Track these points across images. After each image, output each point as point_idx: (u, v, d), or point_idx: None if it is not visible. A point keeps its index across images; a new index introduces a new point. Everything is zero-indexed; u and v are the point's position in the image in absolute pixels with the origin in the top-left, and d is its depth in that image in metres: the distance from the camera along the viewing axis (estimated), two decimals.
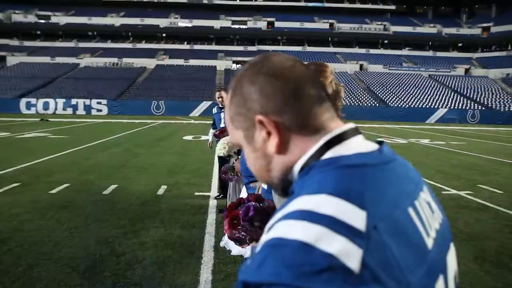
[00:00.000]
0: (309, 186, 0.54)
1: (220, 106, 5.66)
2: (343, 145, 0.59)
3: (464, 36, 54.53)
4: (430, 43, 55.15)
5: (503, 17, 54.07)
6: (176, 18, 54.37)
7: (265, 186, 1.95)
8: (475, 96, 38.72)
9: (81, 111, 32.31)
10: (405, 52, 54.25)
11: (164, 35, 53.90)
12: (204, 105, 34.14)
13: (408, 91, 39.64)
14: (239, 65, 48.75)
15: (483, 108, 35.81)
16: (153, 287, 3.07)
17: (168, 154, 10.34)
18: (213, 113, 5.91)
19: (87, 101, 32.56)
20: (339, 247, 0.45)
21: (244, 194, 3.80)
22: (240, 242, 2.62)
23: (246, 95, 0.63)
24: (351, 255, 0.45)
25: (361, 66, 49.13)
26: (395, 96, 37.74)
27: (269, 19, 55.59)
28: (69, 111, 32.31)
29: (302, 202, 0.51)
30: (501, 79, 44.78)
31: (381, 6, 58.59)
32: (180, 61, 46.77)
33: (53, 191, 6.02)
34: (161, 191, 6.24)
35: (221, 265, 3.51)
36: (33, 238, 4.04)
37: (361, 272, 0.44)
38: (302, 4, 58.33)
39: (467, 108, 35.41)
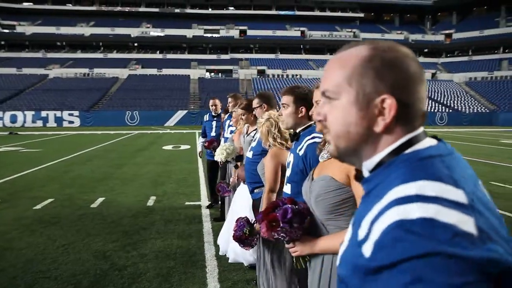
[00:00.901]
0: (399, 178, 0.63)
1: (213, 114, 5.65)
2: (420, 143, 0.69)
3: (429, 42, 56.79)
4: None
5: (463, 24, 56.78)
6: (148, 27, 53.78)
7: (288, 191, 1.99)
8: (442, 99, 40.31)
9: (52, 123, 31.27)
10: None
11: (136, 44, 53.08)
12: (180, 114, 33.84)
13: None
14: (213, 73, 48.76)
15: (450, 111, 37.32)
16: None
17: (151, 165, 10.19)
18: (205, 120, 5.85)
19: (58, 113, 31.56)
20: (456, 218, 0.54)
21: (238, 203, 3.82)
22: (250, 245, 2.64)
23: (383, 73, 0.69)
24: (467, 223, 0.54)
25: None
26: None
27: (241, 27, 55.93)
28: (39, 123, 31.20)
29: (405, 190, 0.59)
30: (464, 82, 46.86)
31: (350, 14, 60.18)
32: (153, 71, 46.19)
33: (38, 207, 5.82)
34: (151, 202, 6.16)
35: (226, 273, 3.52)
36: (26, 256, 3.90)
37: (479, 234, 0.53)
38: (274, 12, 59.10)
39: (435, 111, 36.78)
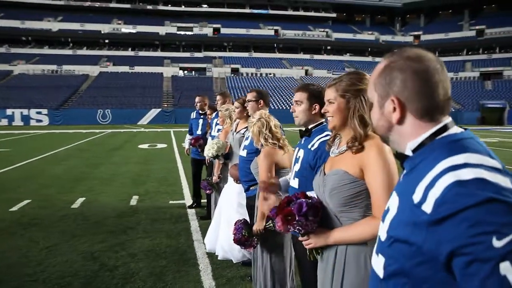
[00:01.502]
0: (444, 153, 0.79)
1: (200, 111, 5.62)
2: (452, 129, 0.87)
3: (399, 43, 58.41)
4: (369, 49, 58.46)
5: (430, 26, 58.92)
6: (119, 23, 52.44)
7: (295, 185, 2.04)
8: None
9: (18, 121, 30.01)
10: (347, 57, 56.97)
11: (106, 41, 51.64)
12: (153, 112, 33.31)
13: None
14: (186, 71, 48.24)
15: None
16: None
17: (128, 164, 10.00)
18: (191, 117, 5.80)
19: (25, 111, 30.32)
20: (499, 178, 0.71)
21: (225, 201, 3.84)
22: (252, 245, 2.67)
23: (391, 80, 0.90)
24: (506, 181, 0.71)
25: (306, 71, 50.76)
26: None
27: (215, 25, 55.56)
28: (4, 122, 29.88)
29: (454, 160, 0.75)
30: None
31: (323, 14, 61.04)
32: (125, 68, 45.11)
33: (14, 209, 5.61)
34: (133, 201, 6.06)
35: (219, 270, 3.53)
36: (9, 259, 3.76)
37: None
38: (247, 11, 59.09)
39: None
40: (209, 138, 5.07)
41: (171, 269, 3.52)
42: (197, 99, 5.65)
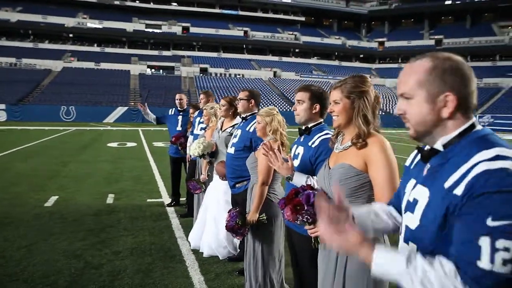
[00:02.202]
0: (476, 148, 0.93)
1: (179, 108, 5.62)
2: (477, 127, 1.01)
3: (364, 48, 60.40)
4: (336, 53, 59.92)
5: (394, 34, 61.29)
6: (85, 18, 50.57)
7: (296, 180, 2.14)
8: None
9: None
10: (314, 61, 58.08)
11: (71, 35, 49.63)
12: (120, 110, 32.43)
13: None
14: (153, 70, 47.36)
15: (383, 113, 40.11)
16: None
17: (99, 162, 9.76)
18: (169, 114, 5.77)
19: None
20: None
21: (211, 198, 3.90)
22: (242, 234, 2.76)
23: (444, 77, 1.00)
24: None
25: (274, 73, 51.25)
26: None
27: (184, 24, 54.86)
28: None
29: (487, 154, 0.89)
30: (395, 87, 50.61)
31: (292, 17, 61.90)
32: (90, 64, 43.57)
33: None
34: (110, 200, 5.96)
35: (206, 265, 3.58)
36: None
37: None
38: (217, 11, 58.86)
39: None
40: (191, 137, 5.10)
41: (157, 265, 3.54)
42: (177, 96, 5.69)
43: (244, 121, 3.35)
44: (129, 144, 14.52)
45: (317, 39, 59.05)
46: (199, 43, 55.59)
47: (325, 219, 1.00)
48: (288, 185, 2.25)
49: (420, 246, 1.00)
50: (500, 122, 30.76)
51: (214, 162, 3.95)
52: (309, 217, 1.68)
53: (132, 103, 35.17)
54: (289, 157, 2.16)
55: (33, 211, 5.24)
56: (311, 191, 1.72)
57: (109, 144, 14.27)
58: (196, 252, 3.88)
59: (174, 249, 3.99)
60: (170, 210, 5.47)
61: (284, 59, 56.50)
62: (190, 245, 4.04)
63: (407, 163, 1.25)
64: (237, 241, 3.80)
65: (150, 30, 52.77)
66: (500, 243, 0.79)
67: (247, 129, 3.25)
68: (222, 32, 55.73)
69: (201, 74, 47.16)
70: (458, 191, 0.89)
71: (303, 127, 2.28)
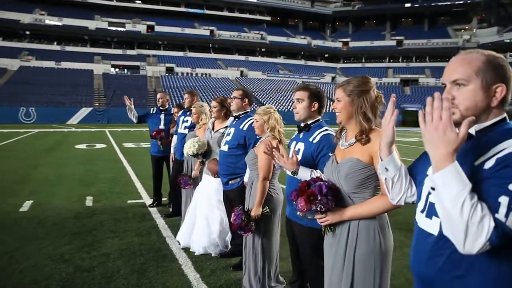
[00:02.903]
0: (507, 135, 1.08)
1: (161, 107, 5.60)
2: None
3: (329, 48, 61.80)
4: (302, 53, 60.92)
5: (357, 34, 63.20)
6: (42, 14, 48.30)
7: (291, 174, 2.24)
8: None
9: None
10: (281, 60, 58.75)
11: (28, 32, 47.28)
12: (84, 111, 31.44)
13: (285, 96, 42.93)
14: (118, 69, 46.13)
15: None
16: None
17: (70, 165, 9.45)
18: (151, 112, 5.73)
19: None
20: None
21: (202, 196, 3.94)
22: (250, 230, 2.83)
23: (498, 70, 1.14)
24: None
25: (241, 72, 51.39)
26: (274, 101, 40.19)
27: (148, 22, 53.74)
28: None
29: None
30: None
31: (257, 17, 62.23)
32: (50, 63, 41.79)
33: None
34: (89, 202, 5.83)
35: (199, 263, 3.62)
36: None
37: None
38: (183, 9, 58.13)
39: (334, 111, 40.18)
40: (175, 136, 5.10)
41: (151, 265, 3.54)
42: (159, 95, 5.73)
43: (237, 119, 3.42)
44: (98, 146, 14.13)
45: (283, 39, 59.74)
46: (165, 42, 54.72)
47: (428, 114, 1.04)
48: (289, 180, 2.36)
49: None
50: None
51: (206, 162, 3.98)
52: (322, 207, 1.80)
53: (97, 104, 34.16)
54: (293, 153, 2.26)
55: (9, 216, 5.03)
56: (322, 183, 1.83)
57: (77, 146, 13.82)
58: (187, 251, 3.90)
59: (164, 248, 3.99)
60: (153, 211, 5.43)
61: (251, 58, 56.76)
62: (179, 244, 4.05)
63: None
64: (228, 238, 3.87)
65: (114, 28, 51.32)
66: None
67: (240, 127, 3.32)
68: (188, 31, 55.14)
69: (167, 74, 46.52)
70: (488, 165, 1.05)
71: (302, 124, 2.40)
